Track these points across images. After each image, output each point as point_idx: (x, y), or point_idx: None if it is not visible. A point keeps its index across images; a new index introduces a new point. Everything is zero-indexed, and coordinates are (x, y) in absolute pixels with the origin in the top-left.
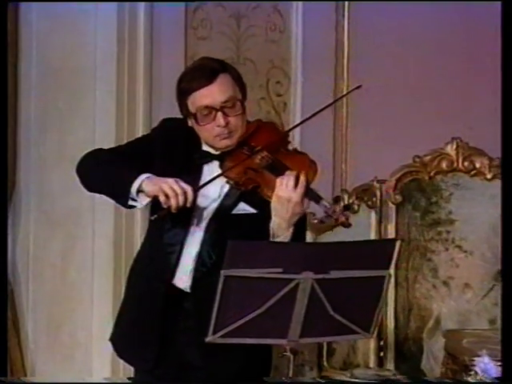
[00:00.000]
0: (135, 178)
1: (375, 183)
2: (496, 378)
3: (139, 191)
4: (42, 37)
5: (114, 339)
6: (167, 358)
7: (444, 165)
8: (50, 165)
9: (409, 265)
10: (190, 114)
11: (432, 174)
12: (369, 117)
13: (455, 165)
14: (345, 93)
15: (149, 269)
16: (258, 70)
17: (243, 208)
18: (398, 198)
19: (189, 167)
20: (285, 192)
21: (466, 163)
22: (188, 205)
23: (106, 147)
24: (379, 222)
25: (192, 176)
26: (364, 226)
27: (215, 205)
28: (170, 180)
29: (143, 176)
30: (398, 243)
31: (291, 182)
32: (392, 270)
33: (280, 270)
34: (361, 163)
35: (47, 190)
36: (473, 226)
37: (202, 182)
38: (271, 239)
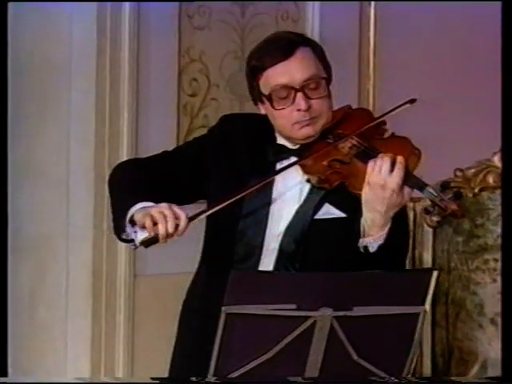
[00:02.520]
0: (130, 207)
1: (408, 201)
2: (496, 378)
3: (133, 222)
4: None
5: None
6: None
7: (491, 179)
8: (15, 179)
9: (449, 299)
10: (262, 96)
11: (477, 190)
12: (400, 123)
13: None
14: (397, 105)
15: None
16: None
17: (329, 211)
18: (436, 219)
19: (259, 168)
20: (378, 177)
21: None
22: (179, 234)
23: (81, 157)
24: (413, 249)
25: (263, 178)
26: None
27: (293, 210)
28: (163, 204)
29: (138, 205)
30: (435, 274)
31: (386, 165)
32: (428, 306)
33: (293, 306)
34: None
35: (12, 210)
36: None
37: (275, 186)
38: (361, 240)
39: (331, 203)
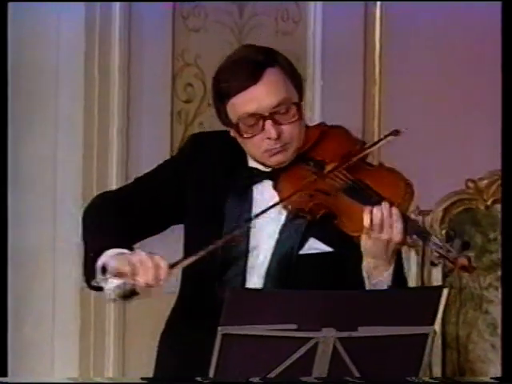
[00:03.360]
0: (101, 253)
1: (417, 215)
2: (496, 378)
3: (104, 269)
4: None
5: None
6: None
7: None
8: None
9: (460, 319)
10: (230, 123)
11: (489, 202)
12: (408, 131)
13: None
14: (379, 139)
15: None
16: None
17: (314, 246)
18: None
19: (235, 189)
20: (381, 232)
21: None
22: (159, 284)
23: (70, 172)
24: (421, 265)
25: (241, 203)
26: None
27: (271, 244)
28: (142, 253)
29: (111, 251)
30: (445, 292)
31: (387, 220)
32: (438, 326)
33: (294, 326)
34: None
35: None
36: None
37: (254, 210)
38: (366, 282)
39: (316, 237)
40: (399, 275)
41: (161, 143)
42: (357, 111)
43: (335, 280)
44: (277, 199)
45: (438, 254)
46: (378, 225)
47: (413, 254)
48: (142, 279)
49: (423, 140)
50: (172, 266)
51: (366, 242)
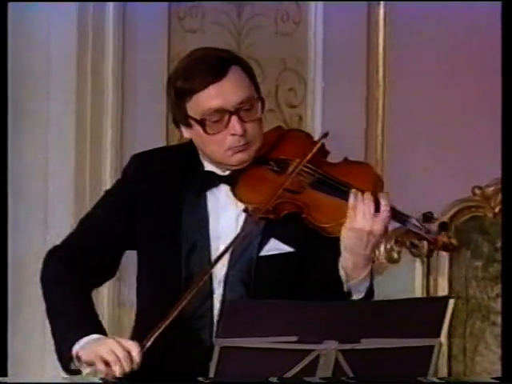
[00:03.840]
0: (74, 342)
1: (421, 222)
2: (496, 378)
3: (79, 358)
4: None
5: None
6: None
7: None
8: None
9: (467, 331)
10: (190, 120)
11: (497, 210)
12: (412, 136)
13: None
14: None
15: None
16: (264, 72)
17: (275, 247)
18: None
19: (188, 202)
20: (362, 223)
21: None
22: (135, 367)
23: (62, 178)
24: (427, 275)
25: (194, 212)
26: (406, 280)
27: (231, 248)
28: (110, 341)
29: (82, 341)
30: (451, 302)
31: (370, 209)
32: (444, 338)
33: (294, 338)
34: (403, 197)
35: None
36: None
37: (210, 218)
38: (345, 285)
39: (277, 237)
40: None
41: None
42: (360, 115)
43: (298, 281)
44: (233, 205)
45: (417, 236)
46: (361, 216)
47: (418, 263)
48: (117, 370)
49: (428, 146)
50: (143, 346)
51: (346, 235)
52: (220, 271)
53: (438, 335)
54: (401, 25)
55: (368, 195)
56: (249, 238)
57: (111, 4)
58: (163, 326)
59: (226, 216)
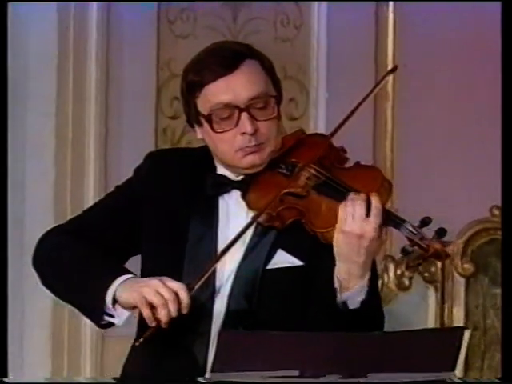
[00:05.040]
0: (110, 283)
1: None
2: (496, 378)
3: (115, 301)
4: None
5: None
6: None
7: None
8: None
9: (484, 364)
10: (200, 117)
11: None
12: (424, 152)
13: None
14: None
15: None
16: None
17: (283, 259)
18: (469, 267)
19: (198, 206)
20: (352, 225)
21: None
22: (184, 311)
23: (40, 195)
24: (441, 303)
25: (204, 219)
26: (419, 309)
27: (238, 259)
28: (154, 281)
29: (119, 280)
30: (467, 333)
31: (360, 210)
32: (459, 372)
33: (295, 372)
34: (415, 216)
35: None
36: None
37: (219, 226)
38: (339, 296)
39: (285, 249)
40: (374, 293)
41: None
42: (367, 129)
43: (306, 298)
44: (243, 213)
45: (410, 242)
46: (351, 218)
47: (431, 290)
48: (163, 315)
49: (441, 162)
50: (192, 287)
51: (337, 239)
52: (225, 285)
53: (452, 369)
54: (413, 27)
55: (360, 196)
56: (256, 249)
57: (94, 6)
58: (211, 269)
59: (235, 224)
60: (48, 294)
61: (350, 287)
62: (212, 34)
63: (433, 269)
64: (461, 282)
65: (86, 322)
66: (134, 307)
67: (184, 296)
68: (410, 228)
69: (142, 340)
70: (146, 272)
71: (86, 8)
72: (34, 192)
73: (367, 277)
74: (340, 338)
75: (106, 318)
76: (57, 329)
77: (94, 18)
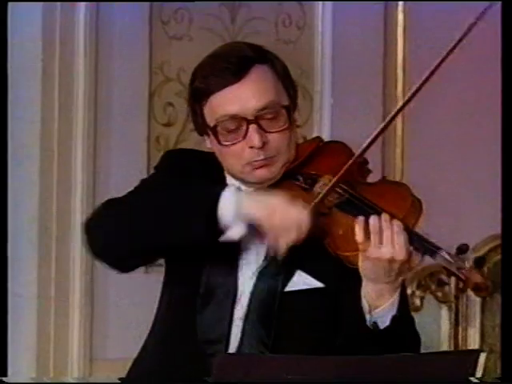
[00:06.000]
0: (219, 193)
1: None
2: (497, 378)
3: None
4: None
5: None
6: None
7: None
8: None
9: None
10: (206, 128)
11: None
12: (436, 162)
13: None
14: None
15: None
16: None
17: (302, 281)
18: (487, 283)
19: None
20: (379, 252)
21: None
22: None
23: (23, 206)
24: (455, 324)
25: None
26: (431, 331)
27: (251, 280)
28: (277, 200)
29: (231, 189)
30: (483, 356)
31: (386, 234)
32: None
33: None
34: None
35: None
36: None
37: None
38: (368, 316)
39: (304, 270)
40: (405, 309)
41: (135, 176)
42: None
43: (330, 322)
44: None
45: (446, 271)
46: (376, 244)
47: (444, 311)
48: (288, 236)
49: (455, 173)
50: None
51: (364, 264)
52: (239, 311)
53: None
54: (424, 29)
55: (386, 218)
56: (272, 269)
57: (82, 5)
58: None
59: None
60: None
61: (380, 305)
62: (208, 35)
63: (446, 287)
64: (476, 301)
65: (73, 344)
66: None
67: (305, 214)
68: (447, 256)
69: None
70: (166, 273)
71: (73, 8)
72: (17, 204)
73: (397, 292)
74: (347, 362)
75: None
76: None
77: (82, 19)
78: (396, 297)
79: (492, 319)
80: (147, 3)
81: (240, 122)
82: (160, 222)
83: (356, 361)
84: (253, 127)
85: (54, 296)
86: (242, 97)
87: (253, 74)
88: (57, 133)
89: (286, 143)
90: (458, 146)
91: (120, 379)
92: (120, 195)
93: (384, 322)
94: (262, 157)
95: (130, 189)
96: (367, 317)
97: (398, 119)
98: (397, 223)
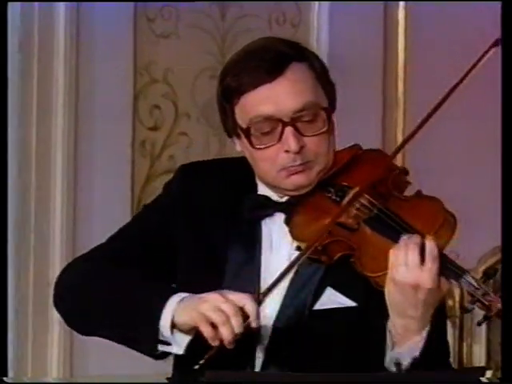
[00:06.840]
0: (162, 305)
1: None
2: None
3: (173, 326)
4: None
5: None
6: None
7: None
8: None
9: None
10: (238, 129)
11: None
12: (439, 166)
13: None
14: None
15: None
16: None
17: (333, 299)
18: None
19: (238, 231)
20: (406, 275)
21: None
22: (254, 325)
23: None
24: (460, 340)
25: (244, 247)
26: None
27: (281, 294)
28: (213, 296)
29: (173, 300)
30: (488, 374)
31: (414, 256)
32: None
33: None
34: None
35: None
36: None
37: (262, 254)
38: (390, 352)
39: (335, 287)
40: (437, 346)
41: (118, 183)
42: (375, 140)
43: (361, 345)
44: (287, 240)
45: (471, 297)
46: (403, 265)
47: (448, 326)
48: (228, 333)
49: (459, 178)
50: (264, 294)
51: (389, 290)
52: (266, 324)
53: None
54: (425, 28)
55: (414, 239)
56: (301, 286)
57: (62, 3)
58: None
59: (278, 254)
60: None
61: (404, 343)
62: (197, 33)
63: (450, 302)
64: (481, 316)
65: (52, 362)
66: (192, 330)
67: (250, 307)
68: (472, 281)
69: (202, 362)
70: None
71: (52, 5)
72: None
73: (425, 332)
74: (351, 379)
75: (161, 347)
76: None
77: (62, 16)
78: (422, 337)
79: (498, 335)
80: (130, 3)
81: (275, 124)
82: (111, 319)
83: (358, 377)
84: (289, 130)
85: (33, 311)
86: (278, 97)
87: (290, 72)
88: (35, 137)
89: (324, 148)
90: (460, 153)
91: (168, 379)
92: (103, 203)
93: (405, 360)
94: (298, 162)
95: (113, 195)
96: (389, 353)
97: (398, 128)
98: (430, 246)
